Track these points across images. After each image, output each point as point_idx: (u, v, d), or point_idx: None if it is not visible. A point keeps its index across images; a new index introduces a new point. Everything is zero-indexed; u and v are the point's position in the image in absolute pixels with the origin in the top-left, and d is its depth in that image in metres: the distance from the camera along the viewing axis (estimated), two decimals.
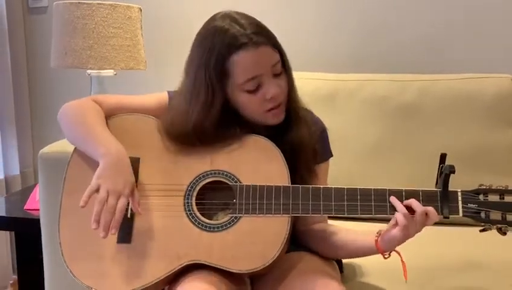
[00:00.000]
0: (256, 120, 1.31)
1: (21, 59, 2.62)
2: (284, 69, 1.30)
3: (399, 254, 1.25)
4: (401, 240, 1.21)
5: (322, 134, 1.41)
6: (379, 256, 1.26)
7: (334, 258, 1.40)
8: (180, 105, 1.31)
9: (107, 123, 1.33)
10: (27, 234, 2.00)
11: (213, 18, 1.28)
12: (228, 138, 1.30)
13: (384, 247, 1.24)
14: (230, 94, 1.28)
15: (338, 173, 1.52)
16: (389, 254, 1.25)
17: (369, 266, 1.48)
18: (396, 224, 1.21)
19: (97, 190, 1.20)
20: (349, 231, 1.35)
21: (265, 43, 1.24)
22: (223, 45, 1.23)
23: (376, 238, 1.25)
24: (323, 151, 1.41)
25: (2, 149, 2.55)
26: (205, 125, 1.28)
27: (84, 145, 1.30)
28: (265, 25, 1.29)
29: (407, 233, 1.19)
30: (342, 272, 1.45)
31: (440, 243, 1.67)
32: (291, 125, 1.33)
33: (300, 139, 1.32)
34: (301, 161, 1.31)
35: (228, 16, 1.26)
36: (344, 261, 1.46)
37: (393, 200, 1.22)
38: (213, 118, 1.28)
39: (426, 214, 1.19)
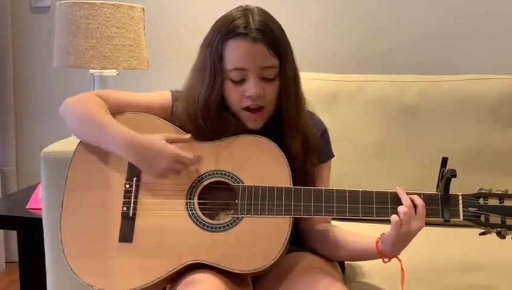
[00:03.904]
0: (236, 115, 1.33)
1: (23, 58, 2.63)
2: (280, 78, 1.31)
3: (400, 261, 1.24)
4: (396, 240, 1.20)
5: (323, 135, 1.41)
6: None
7: (335, 260, 1.40)
8: (191, 80, 1.36)
9: None
10: (29, 233, 2.01)
11: (238, 7, 1.33)
12: (227, 127, 1.31)
13: (385, 249, 1.23)
14: (223, 78, 1.30)
15: (339, 173, 1.52)
16: (389, 259, 1.25)
17: (371, 266, 1.48)
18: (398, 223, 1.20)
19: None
20: (352, 233, 1.34)
21: (264, 43, 1.26)
22: (225, 30, 1.28)
23: (378, 239, 1.25)
24: (324, 152, 1.41)
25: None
26: (210, 102, 1.30)
27: (93, 137, 1.30)
28: (279, 32, 1.30)
29: (409, 229, 1.18)
30: (344, 272, 1.45)
31: (441, 244, 1.67)
32: (285, 135, 1.33)
33: (291, 151, 1.31)
34: (296, 168, 1.30)
35: (248, 9, 1.30)
36: (346, 261, 1.46)
37: (400, 191, 1.22)
38: (217, 96, 1.30)
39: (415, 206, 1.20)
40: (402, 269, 1.24)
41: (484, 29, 2.17)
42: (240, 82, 1.29)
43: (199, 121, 1.32)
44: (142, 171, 1.28)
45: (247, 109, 1.30)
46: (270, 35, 1.28)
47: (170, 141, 1.27)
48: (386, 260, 1.25)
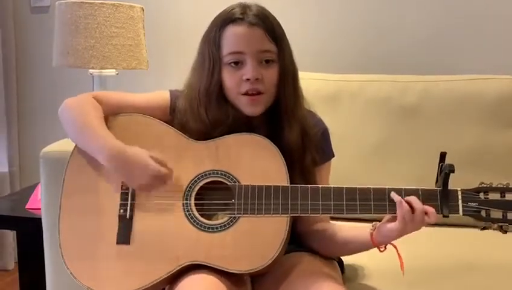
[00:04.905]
0: (235, 104, 1.32)
1: (22, 58, 2.63)
2: (279, 65, 1.31)
3: (395, 247, 1.25)
4: (398, 235, 1.21)
5: (323, 134, 1.41)
6: (380, 256, 1.26)
7: (333, 256, 1.40)
8: (191, 77, 1.36)
9: (106, 122, 1.33)
10: (29, 233, 2.01)
11: (236, 3, 1.34)
12: (226, 117, 1.31)
13: (379, 240, 1.24)
14: (221, 65, 1.31)
15: (340, 173, 1.52)
16: (385, 247, 1.25)
17: (371, 267, 1.48)
18: (393, 219, 1.21)
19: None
20: (348, 227, 1.36)
21: (262, 27, 1.28)
22: (222, 20, 1.30)
23: (371, 231, 1.26)
24: (325, 152, 1.41)
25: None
26: (210, 91, 1.31)
27: (83, 143, 1.31)
28: (276, 22, 1.32)
29: (405, 228, 1.19)
30: (343, 273, 1.44)
31: (441, 244, 1.67)
32: (283, 124, 1.33)
33: (289, 142, 1.31)
34: (294, 162, 1.31)
35: (246, 4, 1.32)
36: (345, 261, 1.46)
37: (394, 195, 1.21)
38: (216, 84, 1.31)
39: (426, 213, 1.19)
40: (399, 254, 1.24)
41: (484, 29, 2.17)
42: (238, 67, 1.29)
43: (201, 112, 1.32)
44: (123, 182, 1.28)
45: (245, 93, 1.30)
46: (267, 22, 1.30)
47: (154, 159, 1.26)
48: (381, 249, 1.26)
